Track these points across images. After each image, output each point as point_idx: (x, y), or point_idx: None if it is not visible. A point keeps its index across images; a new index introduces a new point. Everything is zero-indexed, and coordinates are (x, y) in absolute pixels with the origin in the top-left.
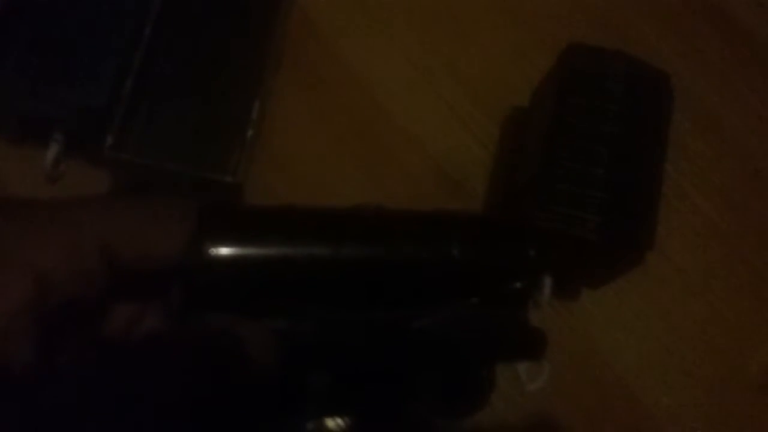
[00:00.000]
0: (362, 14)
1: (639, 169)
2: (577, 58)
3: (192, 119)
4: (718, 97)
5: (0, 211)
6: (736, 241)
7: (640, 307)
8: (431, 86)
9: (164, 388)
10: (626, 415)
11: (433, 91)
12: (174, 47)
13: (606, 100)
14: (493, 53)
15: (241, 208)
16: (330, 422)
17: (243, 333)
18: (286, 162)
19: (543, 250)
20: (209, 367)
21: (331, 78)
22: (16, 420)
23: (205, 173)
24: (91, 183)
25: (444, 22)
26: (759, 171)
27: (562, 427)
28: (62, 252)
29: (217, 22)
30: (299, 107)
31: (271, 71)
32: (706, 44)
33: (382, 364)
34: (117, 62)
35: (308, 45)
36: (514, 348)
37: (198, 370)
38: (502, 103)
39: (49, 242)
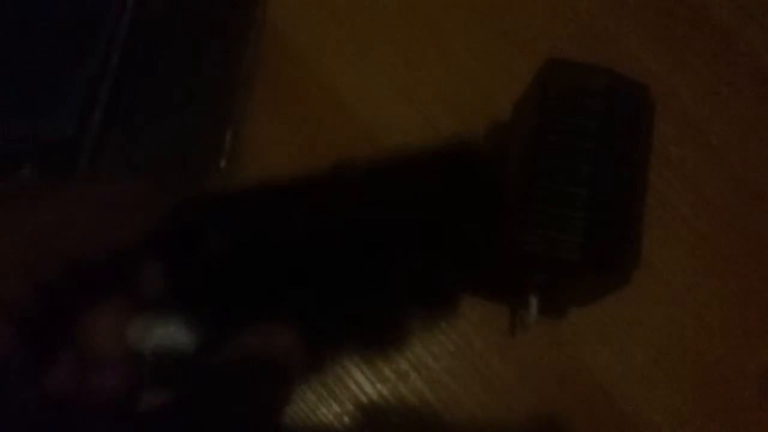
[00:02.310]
0: (340, 30)
1: (622, 185)
2: (555, 74)
3: (164, 149)
4: (701, 106)
5: None
6: (723, 249)
7: (627, 320)
8: (413, 103)
9: None
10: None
11: (414, 108)
12: (143, 75)
13: (586, 117)
14: (474, 67)
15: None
16: None
17: (276, 348)
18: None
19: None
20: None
21: (310, 97)
22: None
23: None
24: None
25: (424, 37)
26: (744, 179)
27: None
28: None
29: (187, 50)
30: (276, 128)
31: (243, 97)
32: (690, 52)
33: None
34: (84, 93)
35: (284, 63)
36: None
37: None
38: (484, 119)
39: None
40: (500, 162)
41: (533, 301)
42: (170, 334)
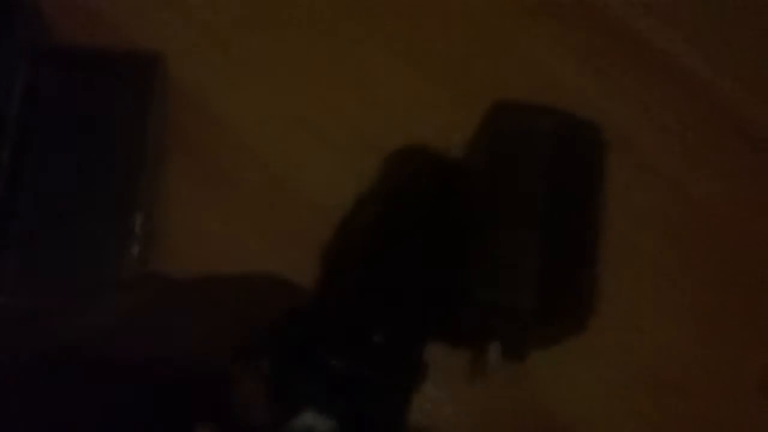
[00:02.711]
0: (256, 86)
1: (577, 227)
2: (502, 117)
3: (71, 243)
4: (653, 138)
5: None
6: (682, 280)
7: (588, 355)
8: (337, 151)
9: None
10: None
11: (340, 156)
12: (40, 168)
13: (536, 160)
14: (401, 109)
15: None
16: None
17: None
18: (190, 258)
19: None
20: None
21: (229, 157)
22: None
23: None
24: None
25: (346, 83)
26: (697, 204)
27: None
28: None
29: (85, 134)
30: (200, 195)
31: (152, 175)
32: (634, 81)
33: None
34: None
35: (197, 126)
36: None
37: None
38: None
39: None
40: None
41: (493, 348)
42: None
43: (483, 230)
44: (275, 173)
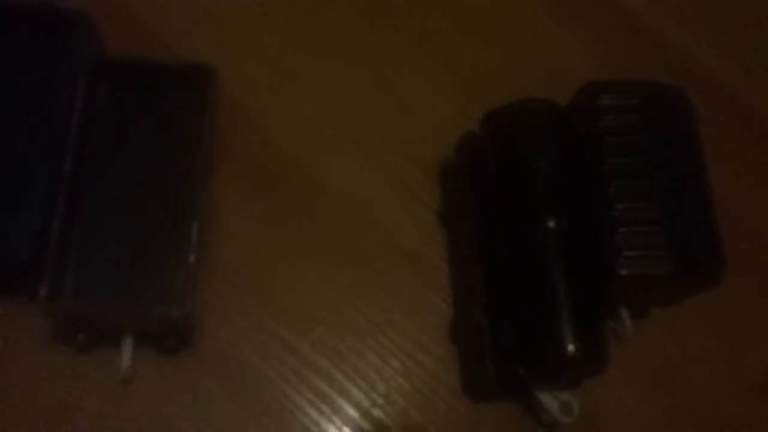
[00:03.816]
0: (299, 99)
1: (688, 189)
2: (597, 95)
3: (129, 251)
4: None
5: None
6: None
7: None
8: (373, 158)
9: None
10: None
11: (373, 162)
12: (98, 179)
13: (638, 132)
14: (432, 117)
15: None
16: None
17: None
18: (237, 268)
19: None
20: None
21: (273, 166)
22: None
23: (149, 308)
24: (25, 337)
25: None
26: None
27: None
28: None
29: (141, 145)
30: (242, 203)
31: (205, 185)
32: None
33: None
34: (40, 207)
35: (243, 135)
36: None
37: None
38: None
39: None
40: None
41: (624, 313)
42: None
43: (602, 210)
44: (319, 181)
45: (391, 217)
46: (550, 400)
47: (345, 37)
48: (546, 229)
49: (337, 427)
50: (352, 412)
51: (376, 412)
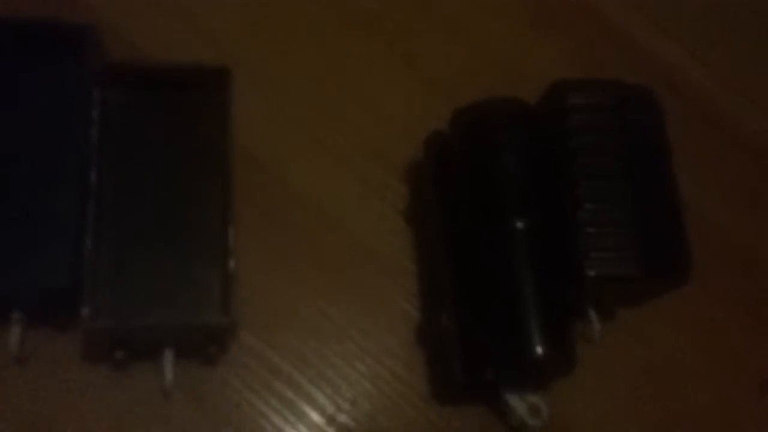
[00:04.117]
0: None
1: (657, 189)
2: (566, 94)
3: (165, 262)
4: None
5: None
6: None
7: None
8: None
9: None
10: None
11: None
12: (122, 189)
13: (607, 131)
14: (400, 116)
15: None
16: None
17: None
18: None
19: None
20: None
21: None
22: None
23: (195, 319)
24: (64, 351)
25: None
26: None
27: None
28: None
29: (161, 151)
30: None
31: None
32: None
33: None
34: (71, 226)
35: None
36: None
37: None
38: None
39: None
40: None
41: (593, 314)
42: None
43: (571, 211)
44: (282, 181)
45: (356, 217)
46: (518, 403)
47: (313, 35)
48: (514, 229)
49: None
50: (317, 418)
51: (342, 418)
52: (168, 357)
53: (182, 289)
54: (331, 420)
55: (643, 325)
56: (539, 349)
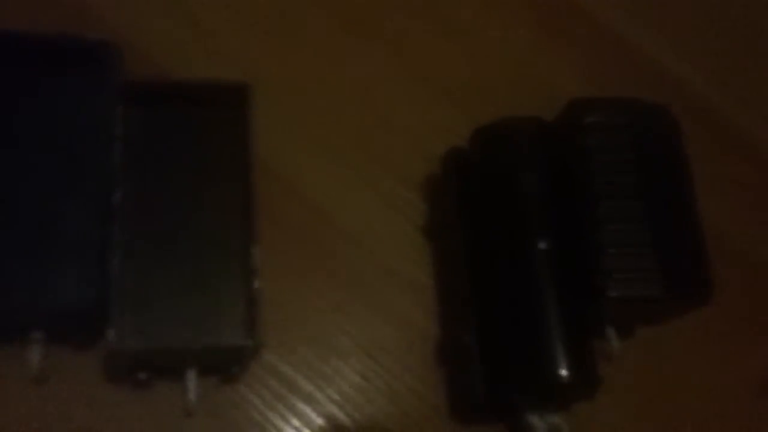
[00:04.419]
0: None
1: (676, 209)
2: (584, 112)
3: (189, 282)
4: None
5: None
6: None
7: None
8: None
9: None
10: None
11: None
12: (144, 209)
13: (626, 150)
14: (417, 131)
15: None
16: None
17: None
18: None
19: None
20: None
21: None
22: None
23: (220, 341)
24: (85, 370)
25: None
26: None
27: None
28: None
29: (183, 170)
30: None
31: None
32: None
33: None
34: (94, 245)
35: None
36: None
37: None
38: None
39: None
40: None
41: (612, 333)
42: None
43: (590, 231)
44: (301, 196)
45: (375, 232)
46: (539, 423)
47: (329, 49)
48: (536, 250)
49: None
50: None
51: None
52: (191, 377)
53: (207, 309)
54: None
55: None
56: (563, 372)
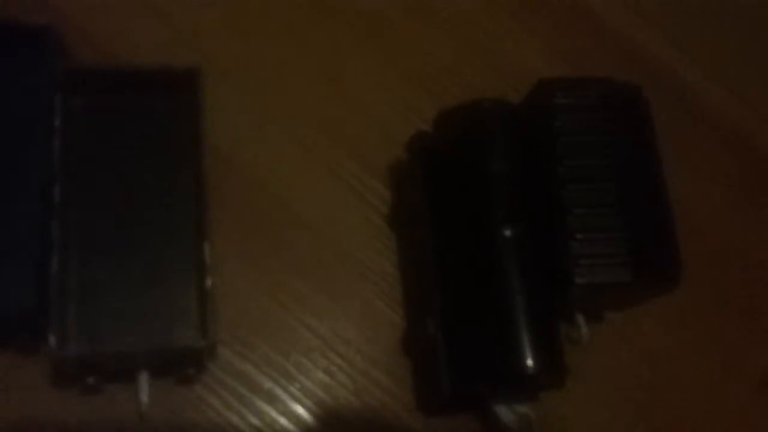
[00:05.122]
0: (233, 88)
1: (645, 191)
2: (552, 93)
3: (137, 281)
4: None
5: None
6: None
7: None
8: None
9: None
10: None
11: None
12: (87, 204)
13: (595, 132)
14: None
15: None
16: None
17: None
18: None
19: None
20: None
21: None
22: None
23: (171, 342)
24: (31, 378)
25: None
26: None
27: None
28: None
29: (128, 161)
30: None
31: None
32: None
33: None
34: (34, 245)
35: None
36: None
37: None
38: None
39: None
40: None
41: (581, 319)
42: None
43: (558, 216)
44: (258, 182)
45: (338, 221)
46: (507, 414)
47: (290, 32)
48: (502, 237)
49: None
50: None
51: None
52: (143, 380)
53: (156, 309)
54: None
55: (634, 328)
56: (530, 363)
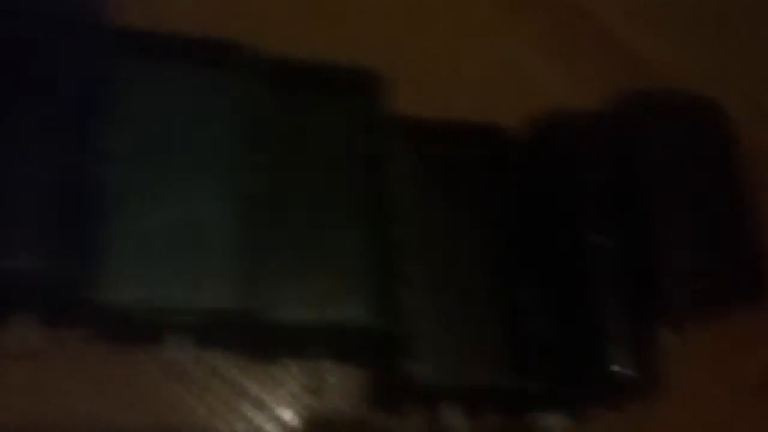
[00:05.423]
0: None
1: (730, 206)
2: (639, 107)
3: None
4: None
5: None
6: None
7: None
8: None
9: None
10: None
11: None
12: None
13: (683, 146)
14: None
15: None
16: None
17: None
18: None
19: None
20: None
21: None
22: None
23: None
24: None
25: None
26: None
27: None
28: None
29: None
30: None
31: None
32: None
33: None
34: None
35: None
36: None
37: None
38: None
39: None
40: None
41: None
42: None
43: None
44: None
45: None
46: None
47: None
48: (591, 244)
49: None
50: None
51: None
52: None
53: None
54: None
55: None
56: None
